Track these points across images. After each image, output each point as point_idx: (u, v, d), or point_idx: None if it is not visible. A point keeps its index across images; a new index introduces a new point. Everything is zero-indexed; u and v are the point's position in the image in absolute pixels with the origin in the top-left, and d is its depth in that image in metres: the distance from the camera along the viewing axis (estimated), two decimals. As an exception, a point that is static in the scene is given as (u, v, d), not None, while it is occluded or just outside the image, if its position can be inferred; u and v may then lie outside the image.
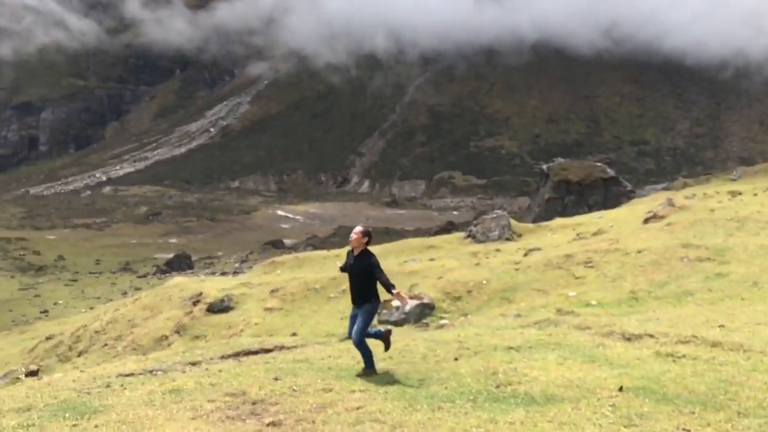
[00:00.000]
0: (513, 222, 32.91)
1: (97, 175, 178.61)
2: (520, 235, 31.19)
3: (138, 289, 62.86)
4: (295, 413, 6.07)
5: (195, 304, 25.26)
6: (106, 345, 24.46)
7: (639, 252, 17.99)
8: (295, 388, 7.10)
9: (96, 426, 5.84)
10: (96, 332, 25.96)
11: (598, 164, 78.20)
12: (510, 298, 17.33)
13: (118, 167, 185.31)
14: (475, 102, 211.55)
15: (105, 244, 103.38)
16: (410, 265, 24.27)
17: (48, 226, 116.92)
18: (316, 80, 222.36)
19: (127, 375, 9.23)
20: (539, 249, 23.51)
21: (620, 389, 6.56)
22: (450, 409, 6.07)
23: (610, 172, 70.83)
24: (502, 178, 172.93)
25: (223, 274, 72.19)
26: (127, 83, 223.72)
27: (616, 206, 44.06)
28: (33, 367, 23.07)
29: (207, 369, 8.88)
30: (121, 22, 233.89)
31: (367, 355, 8.36)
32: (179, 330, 23.67)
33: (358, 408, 6.14)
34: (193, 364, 10.05)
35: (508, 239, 30.63)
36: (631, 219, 28.12)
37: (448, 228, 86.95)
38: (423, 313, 18.34)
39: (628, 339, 8.80)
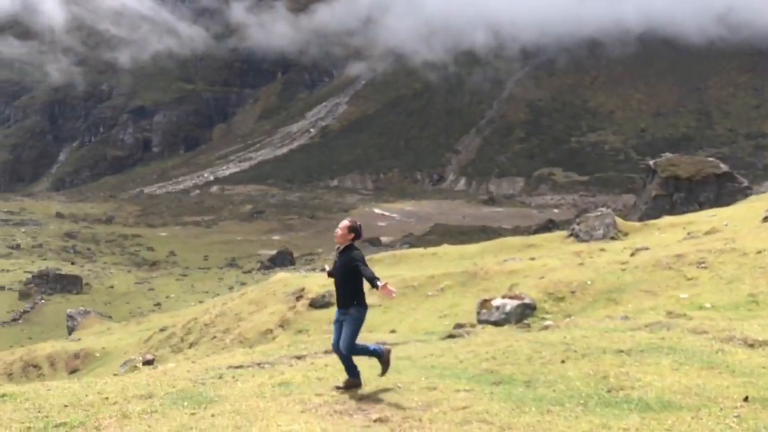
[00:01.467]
0: (618, 220, 31.65)
1: (205, 175, 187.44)
2: (625, 234, 29.95)
3: (243, 284, 65.46)
4: (401, 410, 6.11)
5: (298, 299, 25.96)
6: (214, 337, 25.56)
7: (759, 252, 16.82)
8: (399, 385, 7.15)
9: (212, 415, 6.13)
10: (205, 325, 27.19)
11: (710, 159, 73.94)
12: (616, 299, 16.67)
13: (224, 167, 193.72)
14: (576, 96, 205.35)
15: (213, 240, 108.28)
16: (510, 265, 23.85)
17: (160, 223, 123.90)
18: (413, 78, 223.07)
19: (237, 367, 9.60)
20: (647, 248, 22.49)
21: (745, 399, 6.13)
22: (560, 413, 5.90)
23: (724, 167, 66.69)
24: (606, 175, 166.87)
25: (323, 270, 73.78)
26: (233, 86, 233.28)
27: (730, 204, 41.45)
28: (149, 357, 24.52)
29: (312, 363, 9.09)
30: (227, 27, 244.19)
31: (350, 365, 7.56)
32: (283, 324, 24.39)
33: (464, 407, 6.10)
34: (299, 357, 10.33)
35: (613, 238, 29.50)
36: (749, 217, 26.30)
37: (549, 226, 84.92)
38: (524, 313, 17.96)
39: (751, 345, 8.24)
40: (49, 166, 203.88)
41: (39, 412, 6.80)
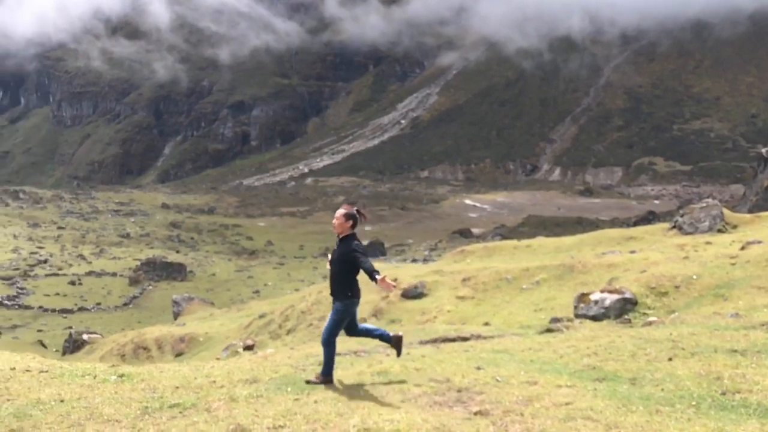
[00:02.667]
0: (726, 211, 29.88)
1: (300, 167, 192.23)
2: (734, 227, 28.24)
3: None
4: (501, 404, 6.04)
5: (390, 289, 26.19)
6: (311, 325, 26.19)
7: None
8: (498, 378, 7.07)
9: (315, 401, 6.30)
10: (302, 312, 27.91)
11: (831, 146, 68.44)
12: (725, 295, 15.77)
13: (318, 160, 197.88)
14: (679, 81, 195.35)
15: (308, 230, 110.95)
16: (609, 258, 23.05)
17: (259, 214, 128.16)
18: (506, 67, 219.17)
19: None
20: (759, 242, 21.12)
21: None
22: (670, 414, 5.64)
23: None
24: (711, 164, 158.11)
25: (414, 261, 74.17)
26: (326, 80, 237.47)
27: None
28: (249, 342, 25.45)
29: (409, 353, 9.15)
30: (321, 21, 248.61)
31: (328, 358, 7.28)
32: (376, 313, 24.67)
33: (567, 404, 5.95)
34: (394, 347, 10.42)
35: (720, 231, 27.89)
36: None
37: (649, 218, 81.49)
38: (624, 308, 17.33)
39: None
40: (155, 160, 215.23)
41: (154, 392, 7.20)
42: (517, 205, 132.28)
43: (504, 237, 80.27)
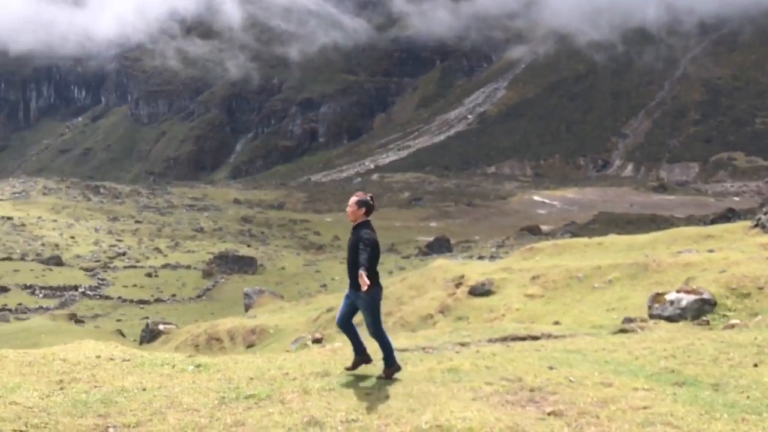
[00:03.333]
0: (815, 210, 28.27)
1: (366, 163, 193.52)
2: (823, 225, 26.69)
3: (402, 269, 66.92)
4: (575, 405, 5.93)
5: (457, 286, 26.05)
6: (377, 320, 26.36)
7: None
8: (571, 379, 6.93)
9: (386, 396, 6.33)
10: (368, 307, 28.09)
11: None
12: (815, 298, 14.97)
13: (384, 155, 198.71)
14: (762, 72, 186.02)
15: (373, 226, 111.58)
16: (685, 257, 22.21)
17: (326, 209, 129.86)
18: (576, 60, 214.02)
19: (402, 350, 9.83)
20: None
21: None
22: (757, 423, 5.39)
23: None
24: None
25: (480, 258, 73.53)
26: (392, 76, 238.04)
27: None
28: (318, 336, 25.84)
29: (478, 351, 9.09)
30: (388, 18, 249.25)
31: (386, 349, 7.24)
32: (443, 310, 24.61)
33: (644, 408, 5.78)
34: (463, 344, 10.36)
35: (808, 230, 26.42)
36: None
37: (728, 216, 78.03)
38: (702, 309, 16.68)
39: None
40: (227, 156, 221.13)
41: (229, 383, 7.42)
42: (588, 202, 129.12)
43: (574, 234, 78.47)
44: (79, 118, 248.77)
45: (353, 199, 7.59)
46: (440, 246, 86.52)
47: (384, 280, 35.35)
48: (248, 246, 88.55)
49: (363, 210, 7.52)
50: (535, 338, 11.09)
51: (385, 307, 29.20)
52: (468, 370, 7.44)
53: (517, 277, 25.44)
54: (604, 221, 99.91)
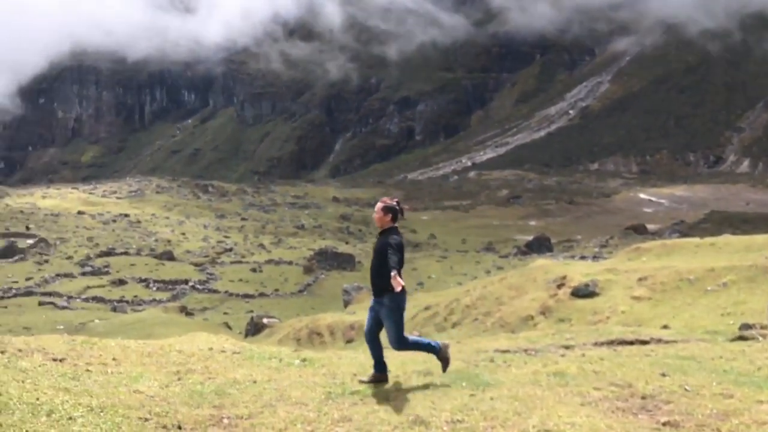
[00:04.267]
0: None
1: (463, 161, 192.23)
2: None
3: (500, 268, 65.94)
4: (692, 416, 5.61)
5: (559, 287, 25.40)
6: (476, 319, 26.14)
7: None
8: (687, 387, 6.58)
9: (491, 398, 6.27)
10: (467, 306, 27.93)
11: None
12: None
13: (481, 153, 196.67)
14: None
15: (470, 224, 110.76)
16: (813, 260, 20.62)
17: (422, 207, 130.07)
18: (687, 50, 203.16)
19: (504, 351, 9.70)
20: None
21: None
22: None
23: None
24: None
25: (582, 258, 71.29)
26: (491, 72, 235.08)
27: None
28: (415, 333, 26.06)
29: (584, 355, 8.82)
30: (487, 13, 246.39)
31: (425, 347, 7.11)
32: (544, 311, 24.07)
33: (771, 422, 5.41)
34: (567, 347, 10.09)
35: None
36: None
37: None
38: (831, 316, 15.43)
39: None
40: (327, 155, 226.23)
41: (334, 378, 7.58)
42: (698, 200, 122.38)
43: (683, 234, 74.62)
44: (189, 120, 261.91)
45: (379, 205, 7.53)
46: (540, 245, 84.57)
47: (482, 280, 35.06)
48: (346, 243, 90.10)
49: (389, 216, 7.45)
50: (644, 342, 10.64)
51: (483, 306, 28.98)
52: (575, 374, 7.23)
53: (623, 278, 24.51)
54: (717, 220, 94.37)
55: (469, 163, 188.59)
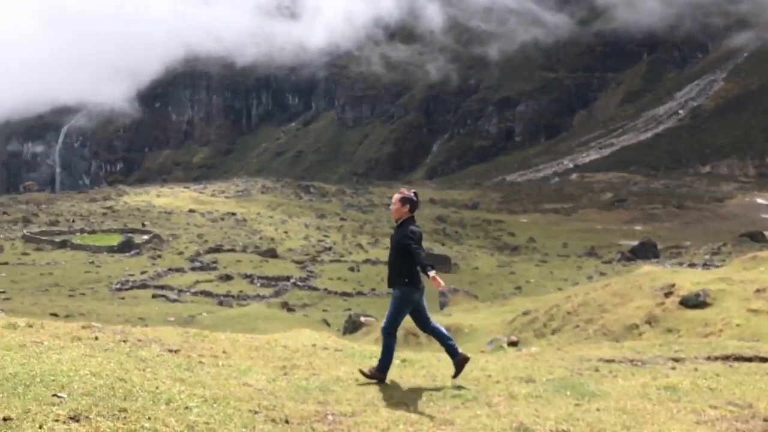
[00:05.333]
0: None
1: (565, 163, 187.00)
2: None
3: (603, 274, 63.68)
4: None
5: (667, 295, 24.24)
6: (577, 326, 25.39)
7: None
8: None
9: (597, 409, 6.08)
10: (568, 313, 27.17)
11: None
12: None
13: (584, 154, 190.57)
14: None
15: (571, 228, 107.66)
16: None
17: (521, 210, 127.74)
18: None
19: (608, 360, 9.37)
20: None
21: None
22: None
23: None
24: None
25: (691, 265, 67.62)
26: (594, 71, 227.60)
27: None
28: (514, 338, 25.52)
29: (697, 369, 8.39)
30: (592, 11, 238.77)
31: (386, 349, 7.16)
32: (650, 321, 23.05)
33: None
34: (676, 360, 9.64)
35: None
36: None
37: None
38: None
39: None
40: (424, 157, 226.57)
41: (434, 380, 7.60)
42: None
43: (807, 243, 69.19)
44: (293, 123, 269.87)
45: (397, 196, 7.48)
46: (645, 251, 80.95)
47: (584, 286, 34.14)
48: (443, 245, 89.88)
49: (407, 207, 7.40)
50: (765, 360, 9.99)
51: (585, 313, 28.14)
52: (688, 390, 6.88)
53: (738, 288, 23.08)
54: None
55: (571, 165, 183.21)
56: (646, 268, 31.97)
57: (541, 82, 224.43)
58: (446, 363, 8.59)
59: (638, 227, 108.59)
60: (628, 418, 5.81)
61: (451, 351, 7.56)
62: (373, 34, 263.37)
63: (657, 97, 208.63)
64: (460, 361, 7.48)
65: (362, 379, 7.39)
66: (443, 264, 72.85)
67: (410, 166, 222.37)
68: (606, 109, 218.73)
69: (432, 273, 7.00)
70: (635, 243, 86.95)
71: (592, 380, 7.32)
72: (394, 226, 7.65)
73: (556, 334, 26.52)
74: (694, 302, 23.01)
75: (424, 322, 7.75)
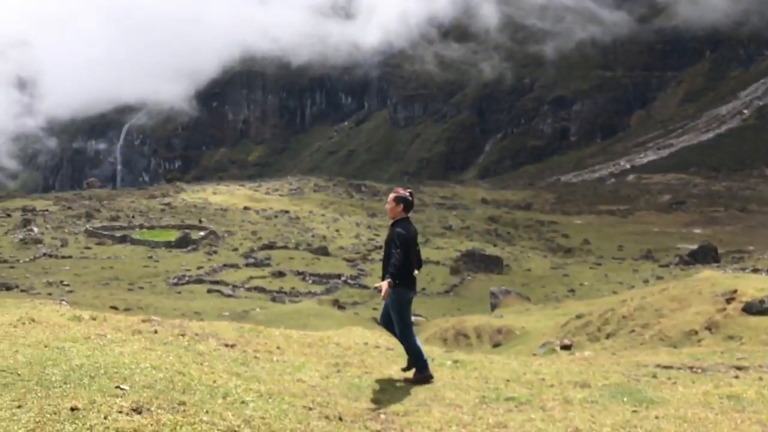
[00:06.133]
0: None
1: (621, 163, 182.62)
2: None
3: (660, 278, 61.97)
4: None
5: (728, 301, 23.40)
6: (633, 331, 24.78)
7: None
8: None
9: (656, 417, 5.93)
10: (623, 317, 26.55)
11: None
12: None
13: (641, 155, 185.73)
14: None
15: (627, 230, 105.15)
16: None
17: (575, 211, 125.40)
18: None
19: (666, 367, 9.13)
20: None
21: None
22: None
23: None
24: None
25: (755, 271, 65.13)
26: (654, 70, 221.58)
27: None
28: (567, 342, 25.05)
29: (761, 378, 8.10)
30: (652, 8, 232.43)
31: (417, 355, 7.01)
32: (710, 327, 22.31)
33: None
34: (739, 368, 9.33)
35: None
36: None
37: None
38: None
39: None
40: (476, 157, 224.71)
41: (486, 382, 7.54)
42: None
43: None
44: (345, 123, 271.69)
45: (392, 195, 7.62)
46: (705, 255, 78.33)
47: (640, 290, 33.31)
48: (494, 245, 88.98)
49: (401, 207, 7.49)
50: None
51: (641, 318, 27.52)
52: (752, 399, 6.63)
53: (807, 296, 22.17)
54: None
55: (628, 166, 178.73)
56: (706, 273, 30.94)
57: (598, 81, 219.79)
58: (499, 366, 8.52)
59: (697, 230, 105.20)
60: (688, 427, 5.64)
61: (419, 364, 7.48)
62: (427, 33, 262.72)
63: (719, 96, 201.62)
64: (418, 380, 7.34)
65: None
66: (495, 265, 72.11)
67: (462, 166, 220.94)
68: (665, 109, 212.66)
69: (386, 281, 7.04)
70: (694, 247, 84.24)
71: (650, 387, 7.14)
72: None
73: (610, 339, 25.93)
74: (758, 309, 22.15)
75: (386, 318, 7.83)
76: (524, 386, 7.29)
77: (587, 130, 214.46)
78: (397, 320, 7.48)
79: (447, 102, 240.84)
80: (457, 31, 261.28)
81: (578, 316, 31.20)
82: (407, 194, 7.65)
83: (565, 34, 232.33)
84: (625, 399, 6.55)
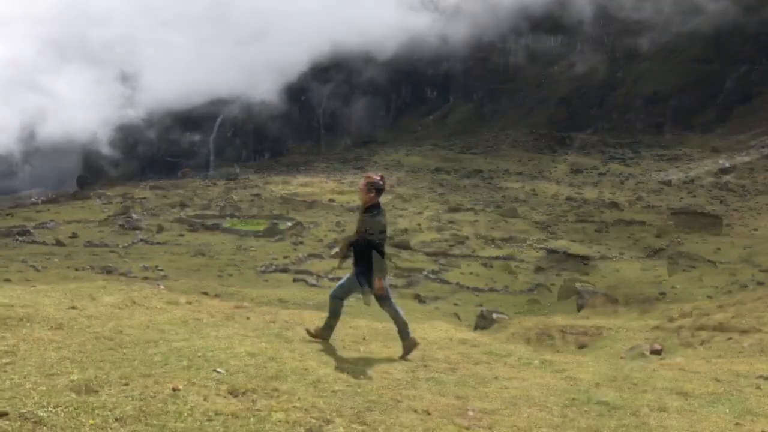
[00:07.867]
0: None
1: (720, 162, 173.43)
2: None
3: (760, 283, 58.46)
4: None
5: (839, 312, 21.87)
6: (730, 338, 23.58)
7: None
8: None
9: (763, 431, 5.62)
10: (719, 323, 25.32)
11: None
12: None
13: (743, 152, 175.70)
14: None
15: (725, 231, 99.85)
16: None
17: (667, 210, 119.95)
18: None
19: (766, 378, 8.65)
20: None
21: None
22: None
23: None
24: None
25: None
26: (758, 63, 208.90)
27: None
28: (657, 347, 24.10)
29: None
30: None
31: (396, 316, 7.31)
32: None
33: None
34: None
35: None
36: None
37: None
38: None
39: None
40: (564, 152, 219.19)
41: (576, 384, 7.36)
42: None
43: None
44: (430, 117, 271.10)
45: (363, 181, 7.46)
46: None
47: (738, 295, 31.45)
48: (581, 244, 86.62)
49: (372, 193, 7.38)
50: None
51: (740, 325, 26.09)
52: None
53: None
54: None
55: (727, 165, 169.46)
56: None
57: (695, 75, 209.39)
58: (589, 368, 8.31)
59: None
60: (797, 446, 5.33)
61: (402, 330, 7.74)
62: (517, 26, 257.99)
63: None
64: (409, 347, 7.69)
65: (501, 374, 7.32)
66: (580, 264, 70.30)
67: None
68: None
69: (378, 276, 7.36)
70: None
71: (753, 398, 6.77)
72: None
73: (704, 345, 24.80)
74: None
75: (339, 294, 7.89)
76: (615, 390, 7.07)
77: (684, 127, 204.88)
78: (383, 299, 7.75)
79: (535, 96, 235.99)
80: (548, 22, 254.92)
81: (670, 321, 29.97)
82: (378, 179, 7.51)
83: (662, 25, 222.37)
84: (727, 410, 6.23)
